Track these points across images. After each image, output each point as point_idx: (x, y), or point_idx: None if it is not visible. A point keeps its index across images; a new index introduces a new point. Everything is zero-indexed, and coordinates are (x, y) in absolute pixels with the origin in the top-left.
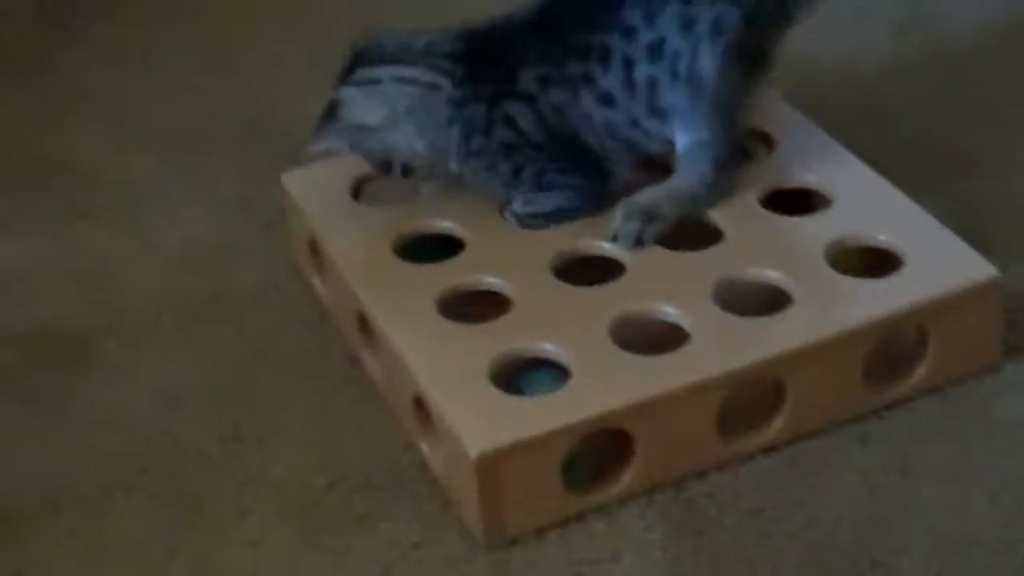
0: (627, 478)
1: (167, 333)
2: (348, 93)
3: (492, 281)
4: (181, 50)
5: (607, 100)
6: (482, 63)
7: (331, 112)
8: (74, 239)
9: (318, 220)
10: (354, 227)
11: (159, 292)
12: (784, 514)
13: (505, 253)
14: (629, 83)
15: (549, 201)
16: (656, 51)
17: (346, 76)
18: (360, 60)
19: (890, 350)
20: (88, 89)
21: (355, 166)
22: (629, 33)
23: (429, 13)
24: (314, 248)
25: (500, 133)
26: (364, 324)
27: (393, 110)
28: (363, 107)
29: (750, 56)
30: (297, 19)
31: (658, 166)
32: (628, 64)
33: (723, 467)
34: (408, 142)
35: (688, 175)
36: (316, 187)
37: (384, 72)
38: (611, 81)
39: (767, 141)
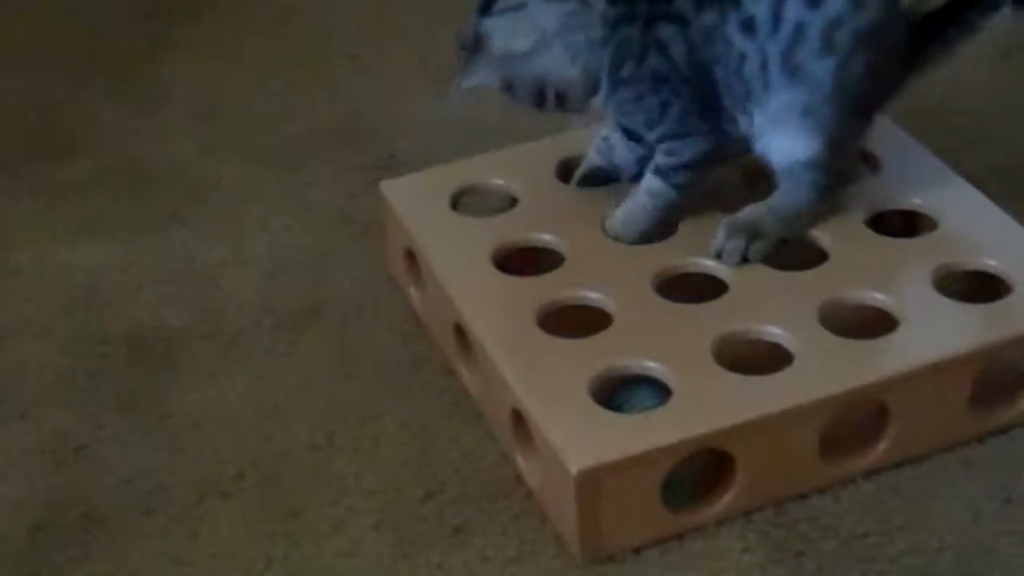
0: (727, 499)
1: (263, 340)
2: (493, 23)
3: (593, 296)
4: (275, 54)
5: (748, 27)
6: None
7: (476, 45)
8: (170, 243)
9: (416, 229)
10: (452, 237)
11: (255, 298)
12: (886, 539)
13: (606, 268)
14: (776, 18)
15: (687, 149)
16: (816, 1)
17: (487, 6)
18: None
19: (995, 376)
20: (183, 92)
21: (454, 175)
22: None
23: None
24: (411, 258)
25: (653, 60)
26: (461, 335)
27: (543, 32)
28: (511, 33)
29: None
30: (393, 24)
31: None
32: None
33: (825, 490)
34: (560, 67)
35: (791, 194)
36: (414, 196)
37: None
38: (759, 7)
39: (873, 162)
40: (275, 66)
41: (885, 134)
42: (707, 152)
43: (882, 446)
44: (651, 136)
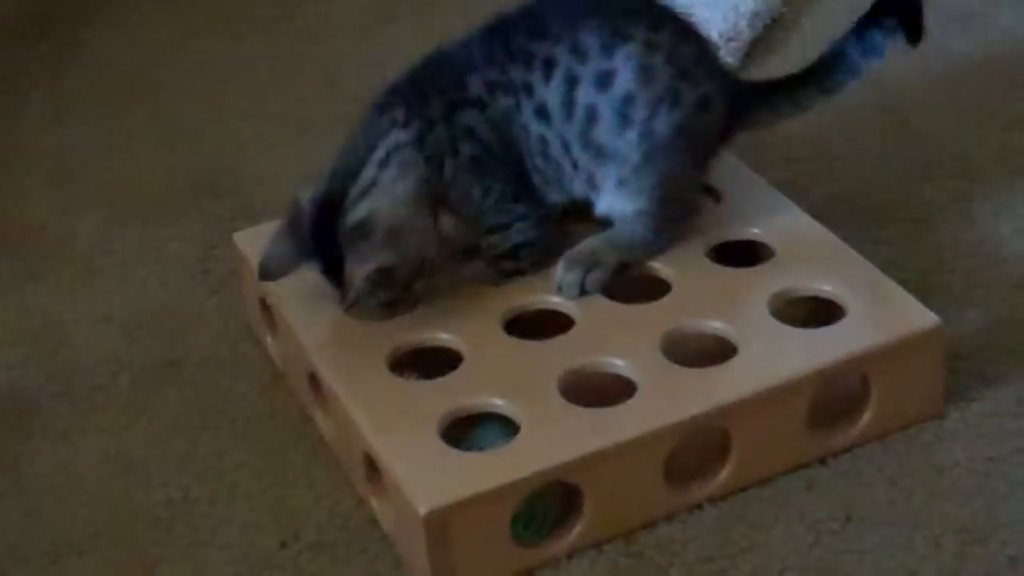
0: (578, 530)
1: (119, 396)
2: (360, 210)
3: (443, 337)
4: (127, 107)
5: (542, 113)
6: (430, 82)
7: (358, 234)
8: (22, 301)
9: None
10: (305, 286)
11: (110, 355)
12: (730, 563)
13: (456, 309)
14: (568, 104)
15: (509, 239)
16: (605, 82)
17: (337, 205)
18: (335, 192)
19: (834, 399)
20: (34, 147)
21: None
22: (580, 53)
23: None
24: (266, 307)
25: (465, 147)
26: (315, 383)
27: (397, 193)
28: (384, 209)
29: (708, 140)
30: (248, 76)
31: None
32: (572, 82)
33: (672, 518)
34: (423, 219)
35: (627, 230)
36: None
37: (366, 173)
38: (550, 94)
39: (714, 194)
40: (135, 121)
41: (725, 166)
42: (530, 240)
43: (725, 472)
44: (480, 227)
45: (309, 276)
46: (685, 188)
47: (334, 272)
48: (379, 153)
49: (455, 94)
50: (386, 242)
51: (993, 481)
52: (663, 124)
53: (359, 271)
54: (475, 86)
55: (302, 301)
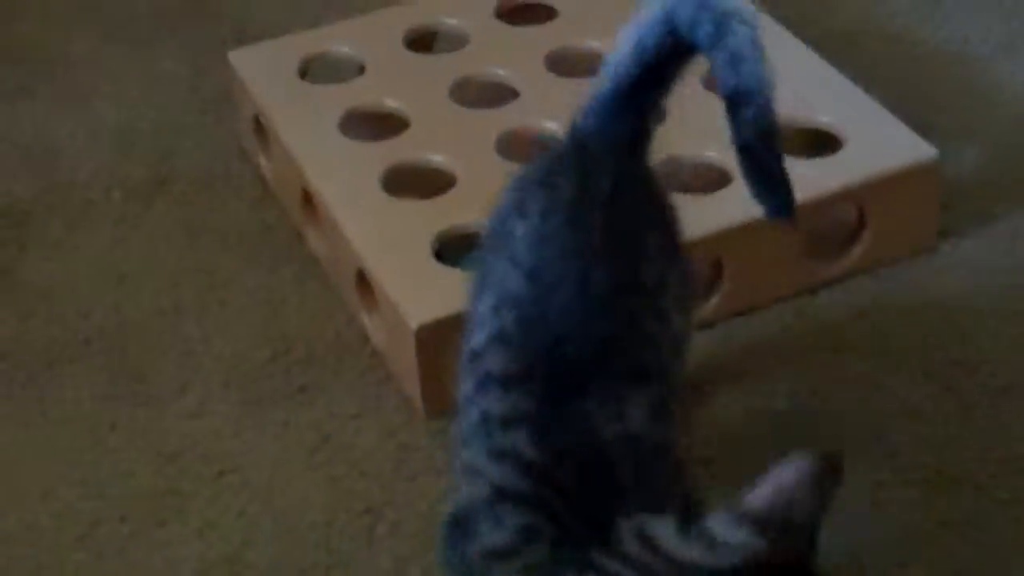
0: None
1: (111, 211)
2: None
3: (437, 159)
4: None
5: None
6: None
7: None
8: (17, 116)
9: (263, 97)
10: (299, 105)
11: (104, 170)
12: (720, 389)
13: (450, 131)
14: None
15: None
16: None
17: None
18: None
19: (829, 230)
20: None
21: (303, 44)
22: None
23: None
24: (259, 126)
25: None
26: (308, 200)
27: None
28: None
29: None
30: None
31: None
32: None
33: None
34: None
35: None
36: (263, 65)
37: None
38: None
39: None
40: None
41: None
42: None
43: (716, 298)
44: None
45: (305, 96)
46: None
47: None
48: None
49: None
50: None
51: (983, 315)
52: None
53: None
54: None
55: (296, 120)
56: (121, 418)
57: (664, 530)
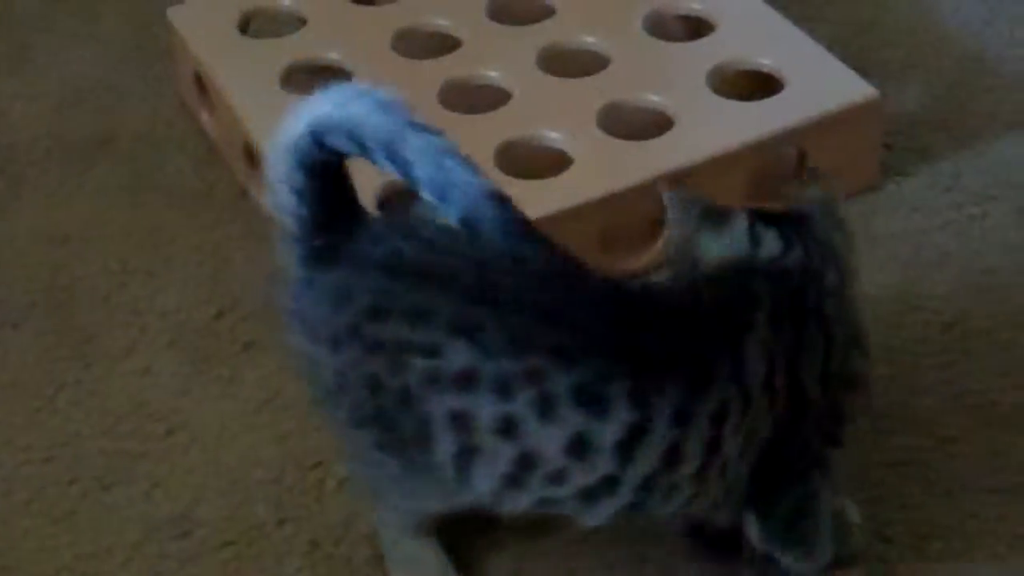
0: None
1: (54, 172)
2: None
3: None
4: None
5: None
6: None
7: None
8: None
9: (204, 54)
10: (240, 59)
11: (46, 131)
12: None
13: (393, 82)
14: None
15: None
16: None
17: None
18: None
19: (771, 171)
20: None
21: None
22: None
23: None
24: (200, 83)
25: None
26: (251, 156)
27: None
28: None
29: None
30: None
31: None
32: None
33: None
34: None
35: None
36: (202, 21)
37: None
38: None
39: None
40: None
41: None
42: None
43: (660, 244)
44: None
45: (246, 51)
46: None
47: None
48: None
49: None
50: None
51: (926, 251)
52: None
53: None
54: None
55: (236, 74)
56: (68, 380)
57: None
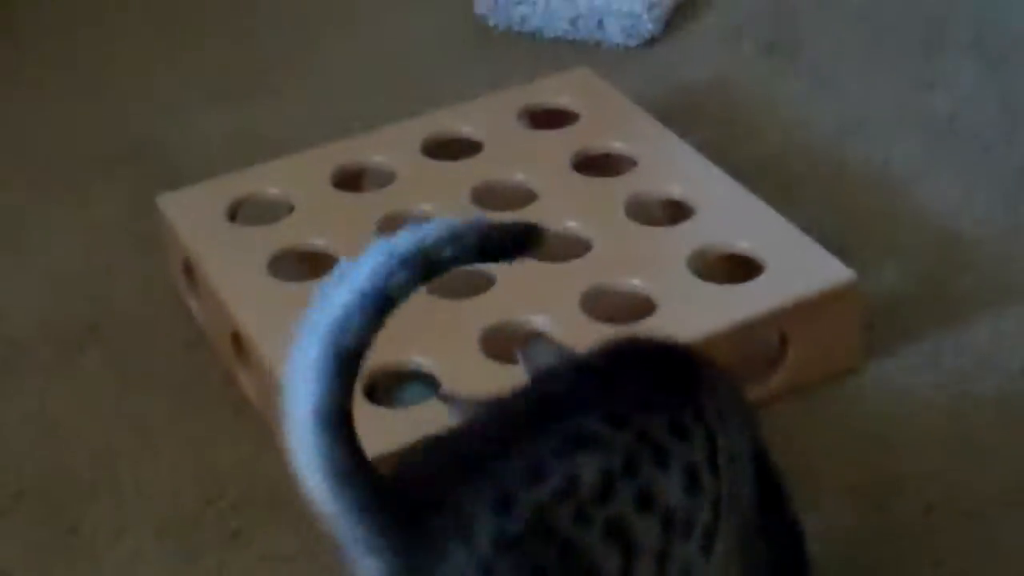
0: None
1: (43, 359)
2: None
3: None
4: (53, 72)
5: None
6: None
7: None
8: None
9: (192, 241)
10: (228, 247)
11: (35, 318)
12: None
13: None
14: None
15: None
16: None
17: None
18: None
19: (752, 355)
20: None
21: (231, 186)
22: None
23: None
24: (189, 270)
25: None
26: (239, 343)
27: None
28: None
29: None
30: (169, 41)
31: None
32: None
33: None
34: None
35: None
36: (191, 209)
37: None
38: None
39: (632, 154)
40: (53, 85)
41: (644, 127)
42: None
43: None
44: None
45: (234, 238)
46: None
47: None
48: None
49: None
50: None
51: (909, 432)
52: None
53: None
54: None
55: (224, 262)
56: (54, 570)
57: None
